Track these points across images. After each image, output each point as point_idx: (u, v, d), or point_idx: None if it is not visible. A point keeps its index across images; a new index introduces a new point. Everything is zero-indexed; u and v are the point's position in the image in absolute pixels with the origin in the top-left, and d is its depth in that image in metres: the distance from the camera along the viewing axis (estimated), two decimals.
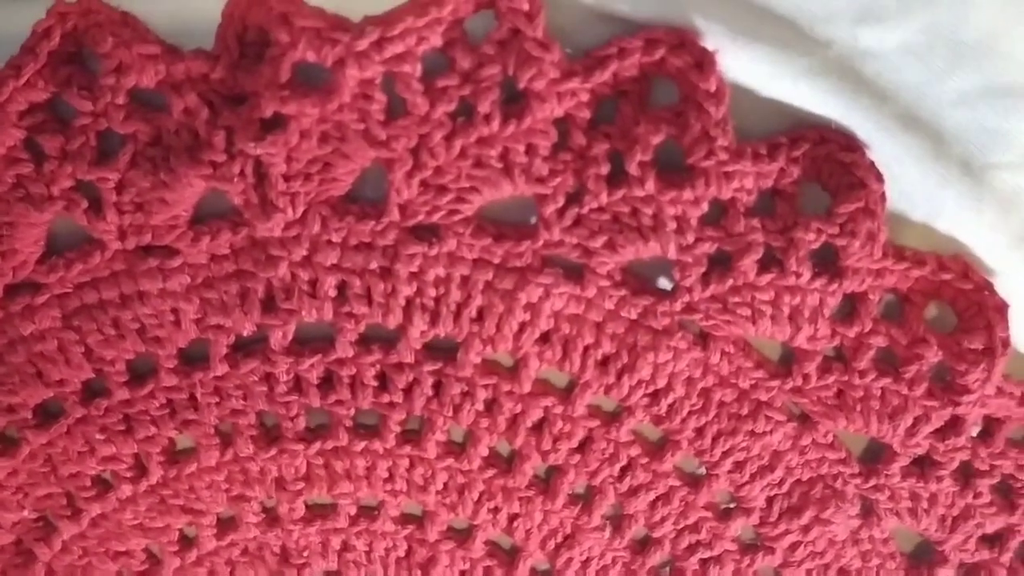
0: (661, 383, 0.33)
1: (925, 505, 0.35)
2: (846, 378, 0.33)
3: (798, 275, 0.30)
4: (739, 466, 0.35)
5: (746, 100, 0.29)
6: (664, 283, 0.32)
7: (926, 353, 0.31)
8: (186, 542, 0.37)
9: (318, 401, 0.34)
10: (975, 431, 0.34)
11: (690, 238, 0.30)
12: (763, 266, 0.31)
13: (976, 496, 0.34)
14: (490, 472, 0.35)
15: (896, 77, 0.29)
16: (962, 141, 0.30)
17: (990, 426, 0.34)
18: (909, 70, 0.29)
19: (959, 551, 0.36)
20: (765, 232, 0.30)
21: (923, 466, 0.35)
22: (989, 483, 0.34)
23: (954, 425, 0.33)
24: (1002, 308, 0.31)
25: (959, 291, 0.31)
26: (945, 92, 0.29)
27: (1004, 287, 0.31)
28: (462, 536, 0.37)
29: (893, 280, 0.31)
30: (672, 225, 0.30)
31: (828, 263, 0.31)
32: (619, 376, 0.33)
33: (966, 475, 0.35)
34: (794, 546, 0.36)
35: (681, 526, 0.36)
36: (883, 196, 0.30)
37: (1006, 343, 0.31)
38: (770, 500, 0.36)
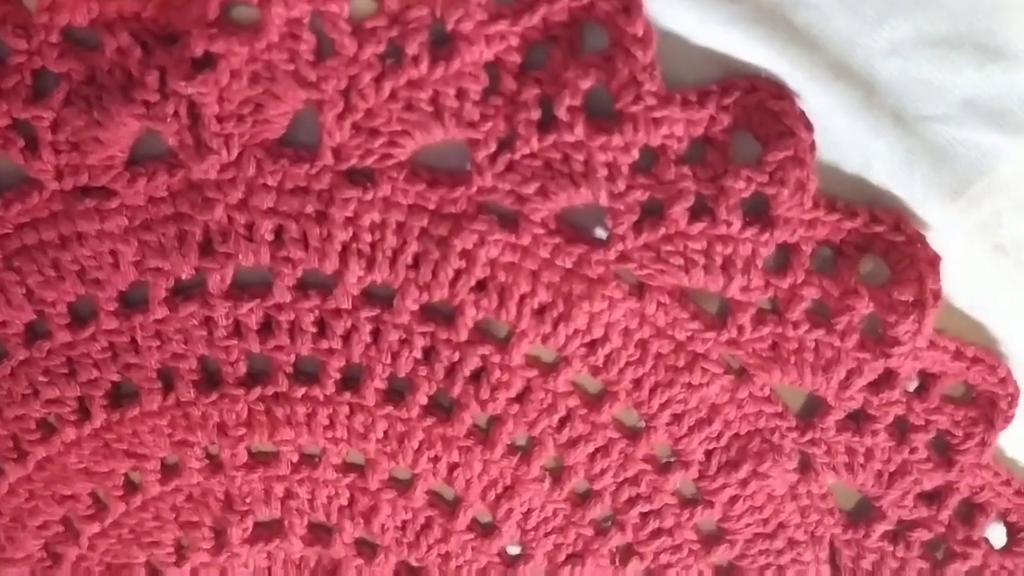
0: (598, 333, 0.33)
1: (861, 460, 0.35)
2: (780, 330, 0.33)
3: (729, 224, 0.30)
4: (677, 419, 0.35)
5: (678, 48, 0.29)
6: (600, 233, 0.32)
7: (857, 304, 0.31)
8: (131, 487, 0.37)
9: (257, 347, 0.34)
10: (911, 387, 0.34)
11: (621, 185, 0.30)
12: (695, 215, 0.31)
13: (912, 451, 0.35)
14: (429, 421, 0.35)
15: (827, 26, 0.29)
16: (894, 92, 0.30)
17: (926, 382, 0.34)
18: (840, 19, 0.29)
19: (897, 507, 0.36)
20: (696, 180, 0.30)
21: (859, 420, 0.35)
22: (925, 438, 0.34)
23: (888, 379, 0.33)
24: (934, 260, 0.31)
25: (891, 243, 0.31)
26: (877, 42, 0.29)
27: (937, 241, 0.32)
28: (403, 486, 0.37)
29: (825, 232, 0.31)
30: (603, 172, 0.30)
31: (760, 213, 0.31)
32: (555, 325, 0.33)
33: (902, 430, 0.35)
34: (733, 500, 0.36)
35: (621, 479, 0.36)
36: (813, 145, 0.30)
37: (937, 295, 0.31)
38: (708, 454, 0.36)
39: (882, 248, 0.31)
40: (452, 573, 0.38)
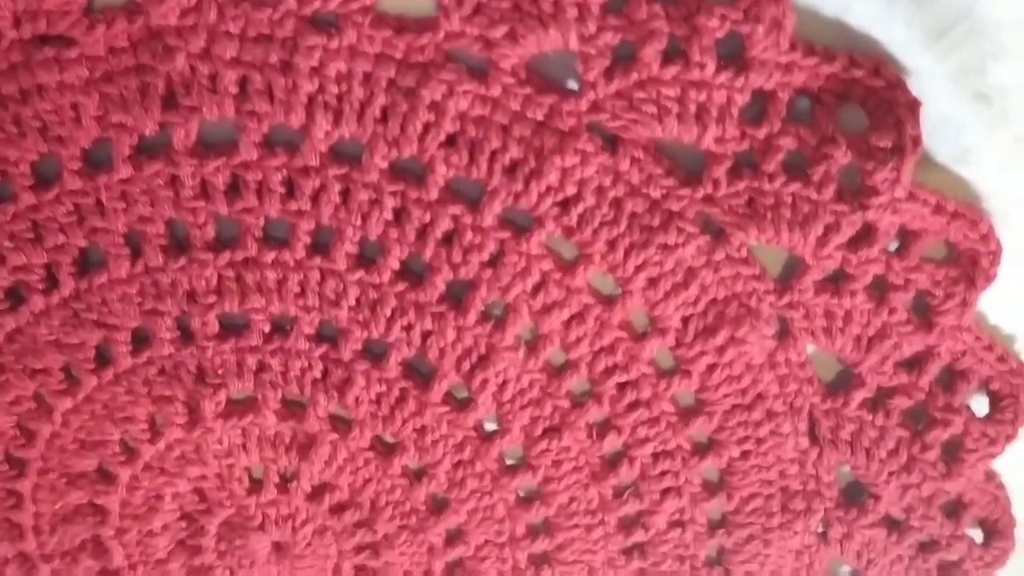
0: (570, 191, 0.33)
1: (840, 324, 0.35)
2: (756, 184, 0.32)
3: (702, 66, 0.30)
4: (652, 283, 0.34)
5: None
6: (572, 85, 0.32)
7: (834, 153, 0.31)
8: (102, 361, 0.37)
9: (225, 208, 0.33)
10: (892, 247, 0.34)
11: (592, 27, 0.29)
12: (667, 58, 0.30)
13: (891, 313, 0.34)
14: (401, 286, 0.35)
15: None
16: None
17: (906, 240, 0.33)
18: None
19: (876, 374, 0.35)
20: (668, 20, 0.29)
21: (837, 282, 0.34)
22: (904, 298, 0.34)
23: (866, 235, 0.33)
24: (914, 105, 0.30)
25: (870, 89, 0.30)
26: None
27: (917, 86, 0.31)
28: (377, 356, 0.37)
29: (803, 78, 0.30)
30: (572, 12, 0.29)
31: (735, 58, 0.30)
32: (527, 182, 0.33)
33: (881, 291, 0.34)
34: (711, 369, 0.36)
35: (597, 347, 0.36)
36: None
37: (916, 141, 0.30)
38: (685, 320, 0.35)
39: (861, 95, 0.30)
40: (428, 448, 0.38)
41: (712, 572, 0.41)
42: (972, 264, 0.33)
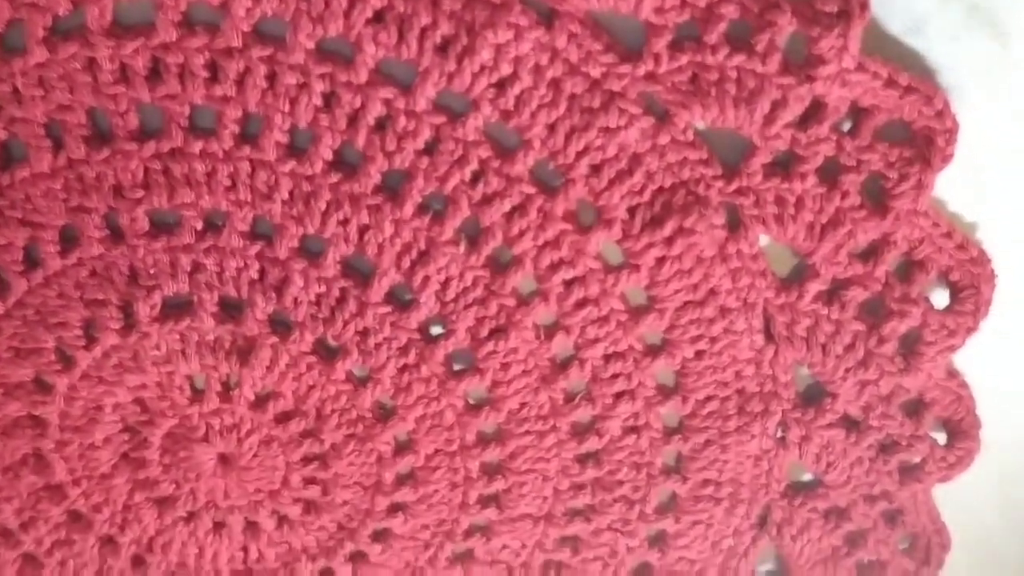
0: (506, 70, 0.31)
1: (791, 210, 0.33)
2: (699, 58, 0.30)
3: None
4: (596, 170, 0.33)
5: None
6: None
7: (779, 19, 0.29)
8: (31, 263, 0.36)
9: (147, 94, 0.32)
10: (844, 127, 0.32)
11: None
12: None
13: (844, 197, 0.32)
14: (335, 177, 0.33)
15: None
16: None
17: (858, 120, 0.32)
18: None
19: (830, 264, 0.34)
20: None
21: (787, 165, 0.33)
22: (857, 180, 0.32)
23: (815, 112, 0.31)
24: None
25: None
26: None
27: None
28: (314, 255, 0.36)
29: None
30: None
31: None
32: (459, 61, 0.31)
33: (833, 174, 0.33)
34: (660, 262, 0.35)
35: (541, 241, 0.34)
36: None
37: (864, 6, 0.28)
38: (632, 211, 0.34)
39: None
40: (371, 352, 0.37)
41: (669, 480, 0.40)
42: (927, 143, 0.32)
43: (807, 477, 0.40)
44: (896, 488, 0.39)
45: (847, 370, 0.36)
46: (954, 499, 0.41)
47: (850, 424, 0.38)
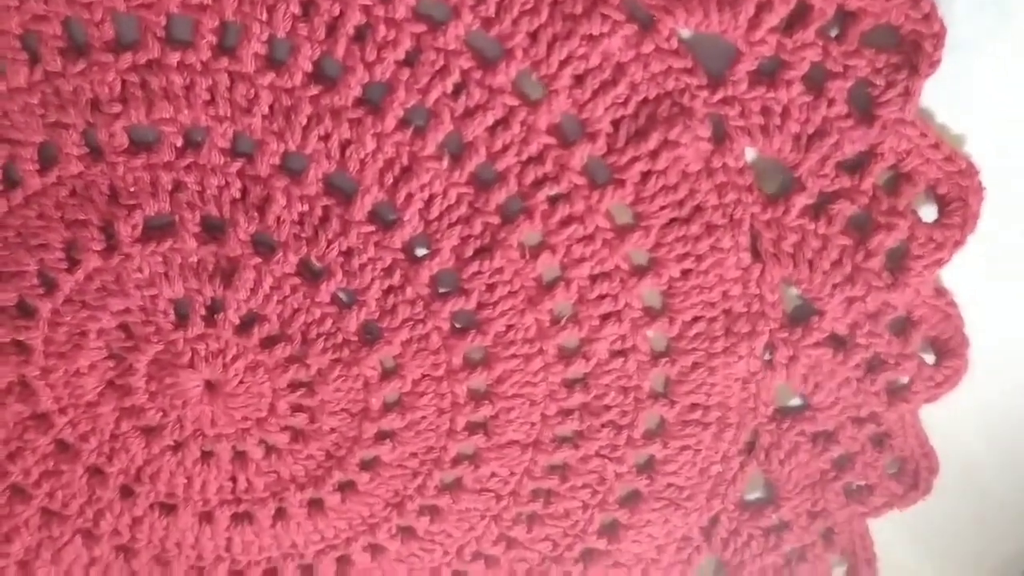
0: None
1: (777, 121, 0.33)
2: None
3: None
4: (579, 80, 0.32)
5: None
6: None
7: None
8: (10, 183, 0.36)
9: (122, 3, 0.31)
10: (831, 32, 0.32)
11: None
12: None
13: (830, 105, 0.32)
14: (315, 90, 0.33)
15: None
16: None
17: (844, 25, 0.31)
18: None
19: (817, 177, 0.34)
20: None
21: (773, 74, 0.32)
22: (843, 87, 0.32)
23: (801, 16, 0.31)
24: None
25: None
26: None
27: None
28: (296, 173, 0.35)
29: None
30: None
31: None
32: None
33: (819, 81, 0.32)
34: (645, 177, 0.34)
35: (524, 156, 0.34)
36: None
37: None
38: (616, 123, 0.33)
39: None
40: (356, 272, 0.36)
41: (657, 404, 0.40)
42: (915, 49, 0.31)
43: (795, 402, 0.40)
44: (884, 409, 0.38)
45: (834, 286, 0.35)
46: (940, 430, 0.41)
47: (837, 343, 0.38)
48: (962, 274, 0.37)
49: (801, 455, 0.40)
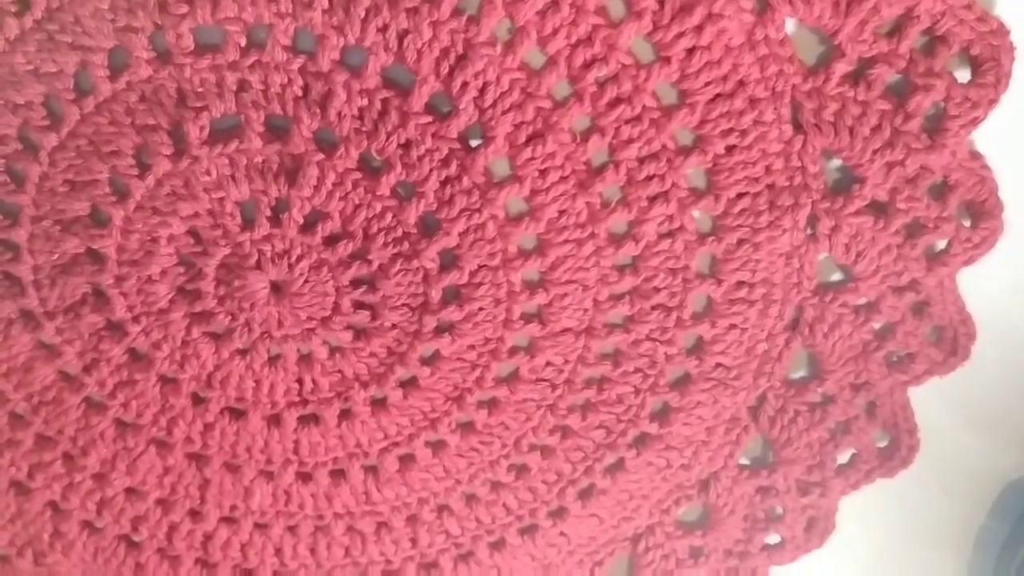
0: None
1: None
2: None
3: None
4: None
5: None
6: None
7: None
8: (81, 92, 0.37)
9: None
10: None
11: None
12: None
13: None
14: None
15: None
16: None
17: None
18: None
19: (856, 43, 0.35)
20: None
21: None
22: None
23: None
24: None
25: None
26: None
27: None
28: (356, 67, 0.36)
29: None
30: None
31: None
32: None
33: None
34: (690, 53, 0.36)
35: (574, 39, 0.36)
36: None
37: None
38: (661, 1, 0.35)
39: None
40: (414, 164, 0.38)
41: (704, 284, 0.42)
42: None
43: (836, 277, 0.42)
44: (923, 275, 0.40)
45: (874, 152, 0.37)
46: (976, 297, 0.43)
47: (878, 210, 0.39)
48: None
49: (844, 327, 0.42)
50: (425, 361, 0.44)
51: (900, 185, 0.38)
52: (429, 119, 0.37)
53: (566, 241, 0.40)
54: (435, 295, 0.42)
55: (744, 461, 0.47)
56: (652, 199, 0.39)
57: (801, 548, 0.48)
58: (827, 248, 0.40)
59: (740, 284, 0.42)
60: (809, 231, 0.40)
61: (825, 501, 0.47)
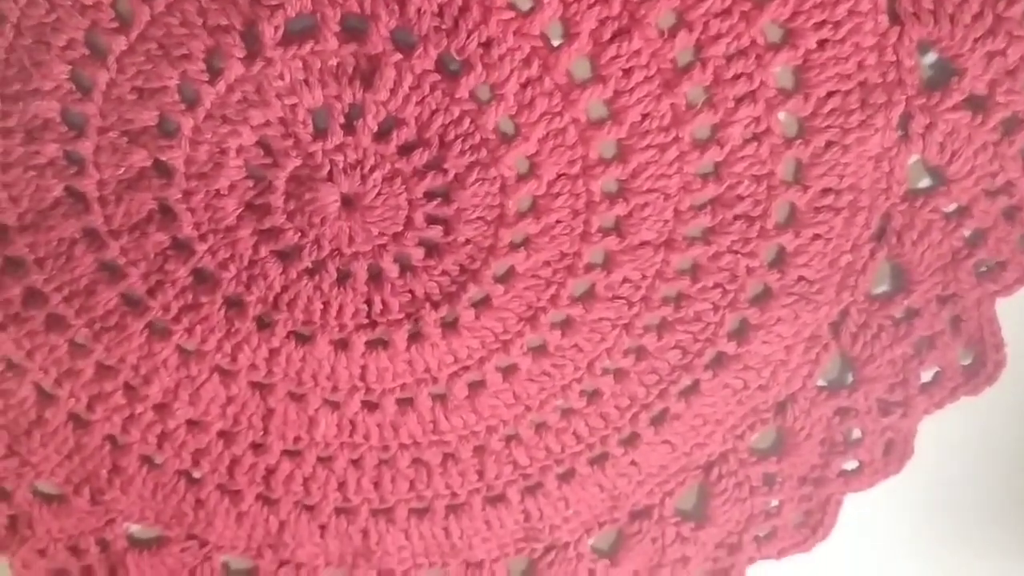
0: None
1: None
2: None
3: None
4: None
5: None
6: None
7: None
8: None
9: None
10: None
11: None
12: None
13: None
14: None
15: None
16: None
17: None
18: None
19: None
20: None
21: None
22: None
23: None
24: None
25: None
26: None
27: None
28: None
29: None
30: None
31: None
32: None
33: None
34: None
35: None
36: None
37: None
38: None
39: None
40: (495, 65, 0.37)
41: (789, 191, 0.40)
42: None
43: (925, 183, 0.41)
44: (1020, 174, 0.39)
45: (975, 41, 0.36)
46: None
47: (975, 106, 0.38)
48: None
49: (934, 234, 0.41)
50: (499, 279, 0.42)
51: (1000, 77, 0.37)
52: (512, 15, 0.36)
53: (649, 146, 0.39)
54: (512, 206, 0.40)
55: (821, 383, 0.46)
56: (739, 100, 0.38)
57: (880, 473, 0.47)
58: (920, 149, 0.39)
59: (826, 191, 0.40)
60: (901, 132, 0.39)
61: (906, 422, 0.46)
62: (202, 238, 0.41)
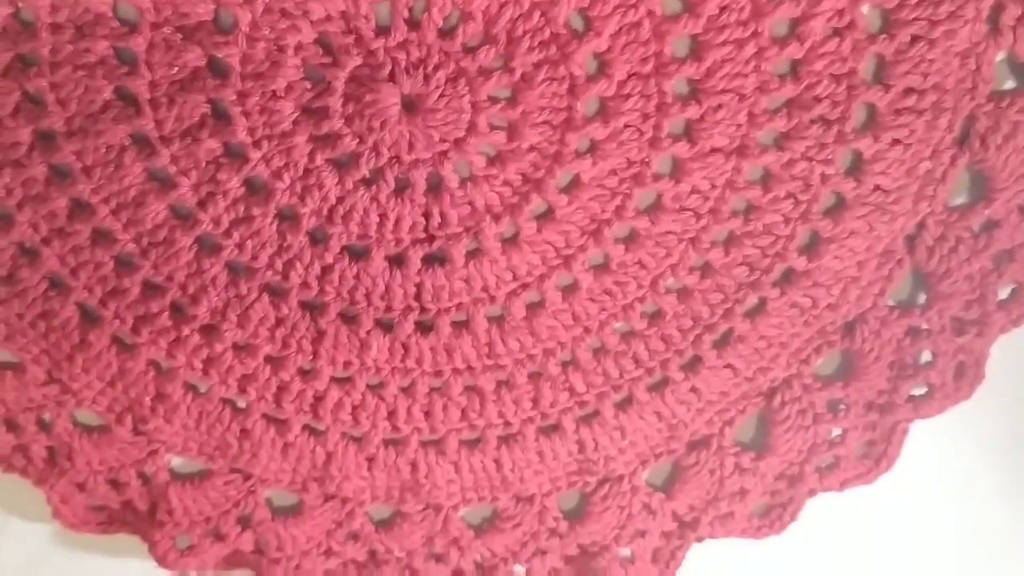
0: None
1: None
2: None
3: None
4: None
5: None
6: None
7: None
8: None
9: None
10: None
11: None
12: None
13: None
14: None
15: None
16: None
17: None
18: None
19: None
20: None
21: None
22: None
23: None
24: None
25: None
26: None
27: None
28: None
29: None
30: None
31: None
32: None
33: None
34: None
35: None
36: None
37: None
38: None
39: None
40: None
41: (870, 91, 0.39)
42: None
43: (1009, 85, 0.39)
44: None
45: None
46: None
47: None
48: None
49: (1020, 137, 0.39)
50: (563, 189, 0.41)
51: None
52: None
53: (726, 42, 0.37)
54: (580, 107, 0.38)
55: (891, 302, 0.45)
56: None
57: (950, 398, 0.45)
58: (1010, 42, 0.37)
59: (909, 91, 0.39)
60: (990, 25, 0.37)
61: (980, 342, 0.44)
62: (256, 144, 0.39)
